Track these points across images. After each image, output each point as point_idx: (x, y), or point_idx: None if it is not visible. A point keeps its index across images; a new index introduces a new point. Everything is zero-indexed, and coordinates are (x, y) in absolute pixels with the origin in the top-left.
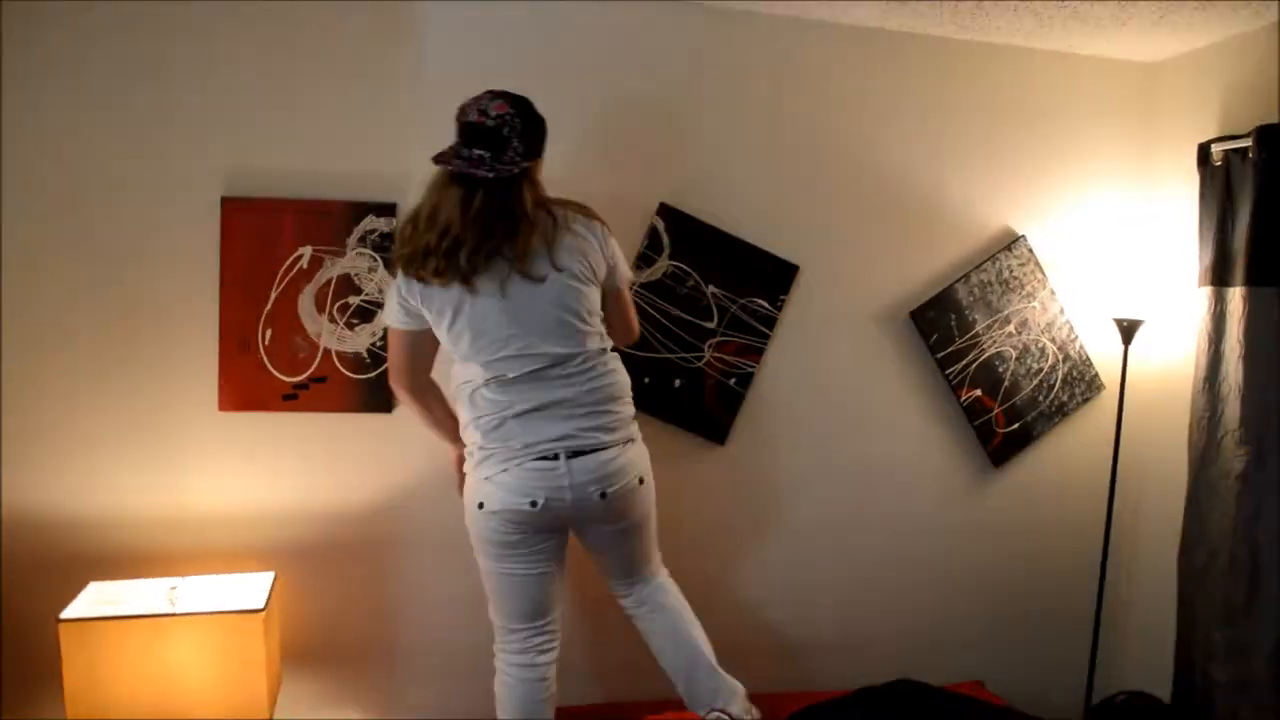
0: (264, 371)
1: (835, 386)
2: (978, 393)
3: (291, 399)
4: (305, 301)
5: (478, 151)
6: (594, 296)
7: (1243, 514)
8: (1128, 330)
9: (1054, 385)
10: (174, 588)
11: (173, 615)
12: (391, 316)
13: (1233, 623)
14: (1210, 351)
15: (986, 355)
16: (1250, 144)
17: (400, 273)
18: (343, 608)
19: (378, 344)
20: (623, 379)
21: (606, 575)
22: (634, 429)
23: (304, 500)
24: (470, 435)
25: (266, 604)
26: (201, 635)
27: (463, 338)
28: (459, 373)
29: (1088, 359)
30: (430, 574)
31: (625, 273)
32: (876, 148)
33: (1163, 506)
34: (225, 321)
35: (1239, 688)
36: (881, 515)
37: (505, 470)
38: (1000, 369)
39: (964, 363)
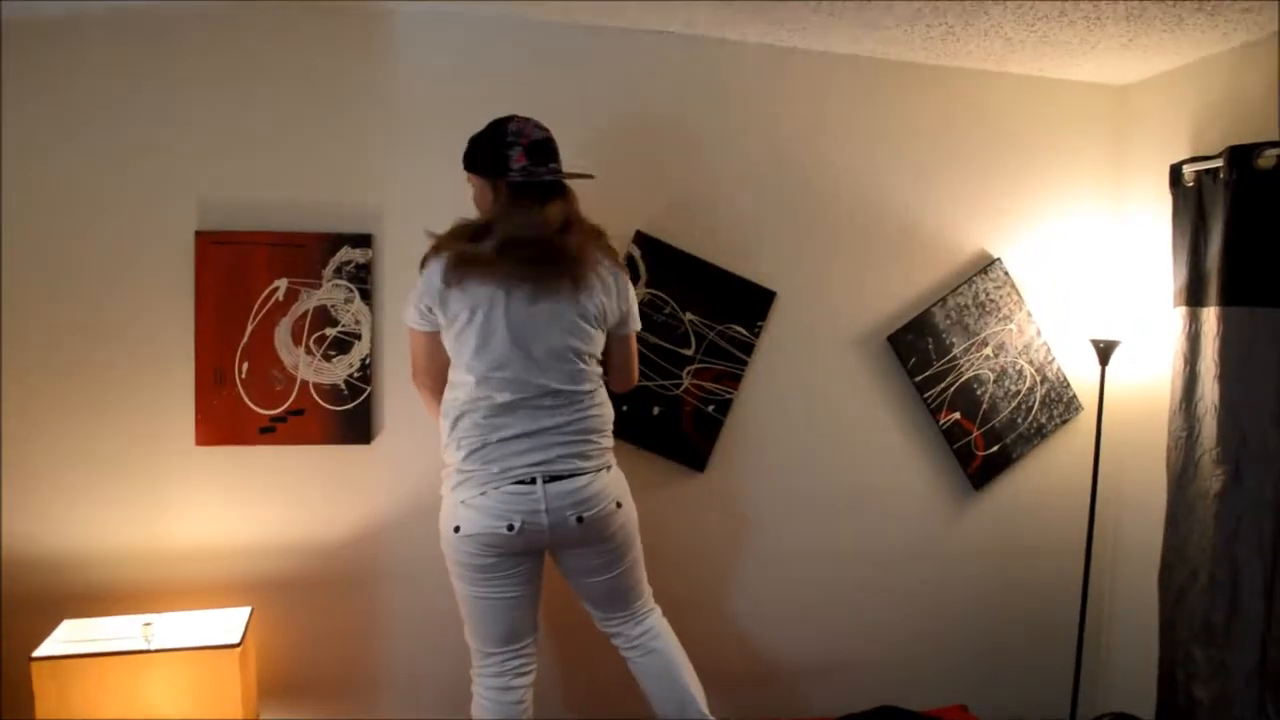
0: (241, 405)
1: (814, 412)
2: (956, 416)
3: (269, 432)
4: (282, 334)
5: (552, 165)
6: (600, 341)
7: (1222, 533)
8: (1104, 351)
9: (1032, 407)
10: (149, 624)
11: (147, 652)
12: (411, 318)
13: (1214, 642)
14: (1186, 372)
15: (965, 378)
16: (1221, 164)
17: (425, 276)
18: (321, 641)
19: (355, 375)
20: (607, 412)
21: (596, 609)
22: (610, 457)
23: (281, 534)
24: (450, 454)
25: (242, 639)
26: (176, 672)
27: (468, 343)
28: (450, 388)
29: (1065, 380)
30: (409, 605)
31: (636, 322)
32: (852, 173)
33: (1143, 526)
34: (201, 355)
35: (1221, 707)
36: (863, 540)
37: (483, 494)
38: (979, 392)
39: (942, 386)
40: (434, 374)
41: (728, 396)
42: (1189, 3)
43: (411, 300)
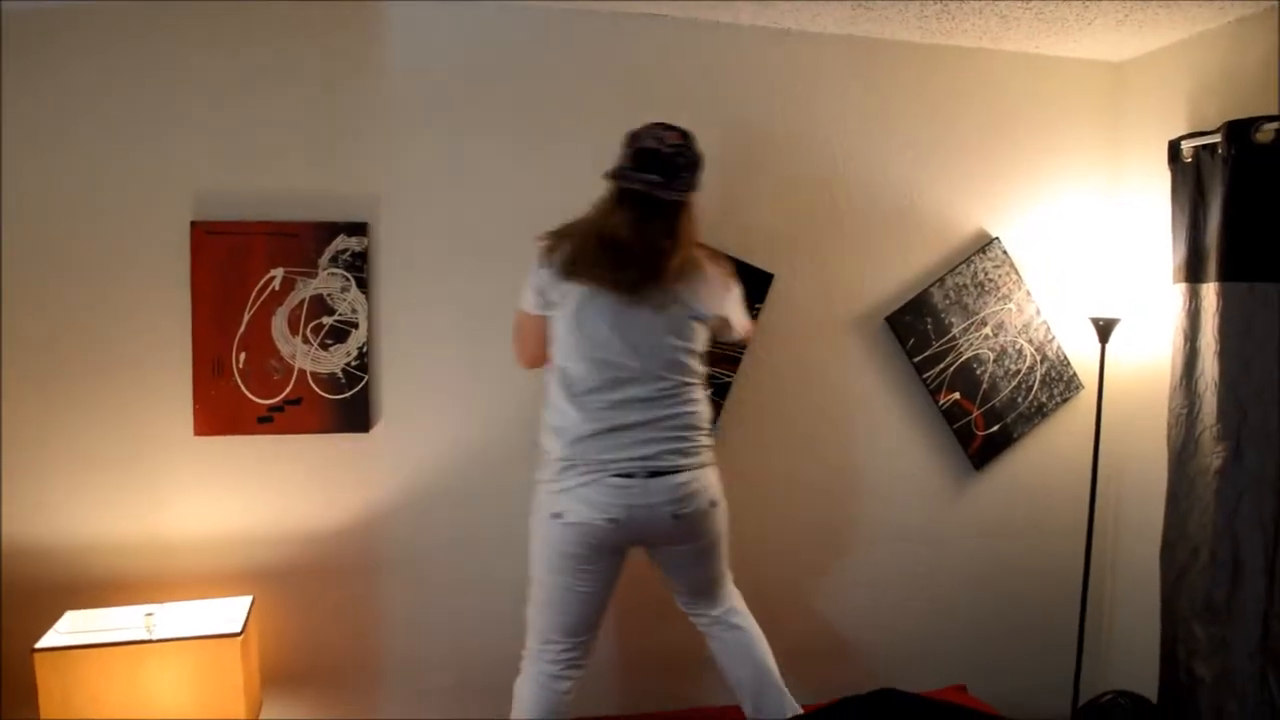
0: (238, 394)
1: (813, 394)
2: (956, 396)
3: (267, 421)
4: (278, 323)
5: (650, 176)
6: (702, 340)
7: (1222, 510)
8: (1104, 329)
9: (1032, 386)
10: (150, 614)
11: (149, 642)
12: (528, 303)
13: (1215, 619)
14: (1186, 348)
15: (964, 358)
16: (1220, 139)
17: (544, 267)
18: (322, 629)
19: (352, 364)
20: (705, 410)
21: (678, 595)
22: (709, 455)
23: (281, 523)
24: (551, 441)
25: (244, 628)
26: (179, 661)
27: (574, 333)
28: (554, 376)
29: (1065, 359)
30: (409, 593)
31: (741, 330)
32: (847, 154)
33: (1144, 504)
34: (198, 345)
35: (1223, 684)
36: (863, 521)
37: (586, 484)
38: (978, 371)
39: (942, 366)
40: (541, 356)
41: (726, 379)
42: None
43: (526, 286)
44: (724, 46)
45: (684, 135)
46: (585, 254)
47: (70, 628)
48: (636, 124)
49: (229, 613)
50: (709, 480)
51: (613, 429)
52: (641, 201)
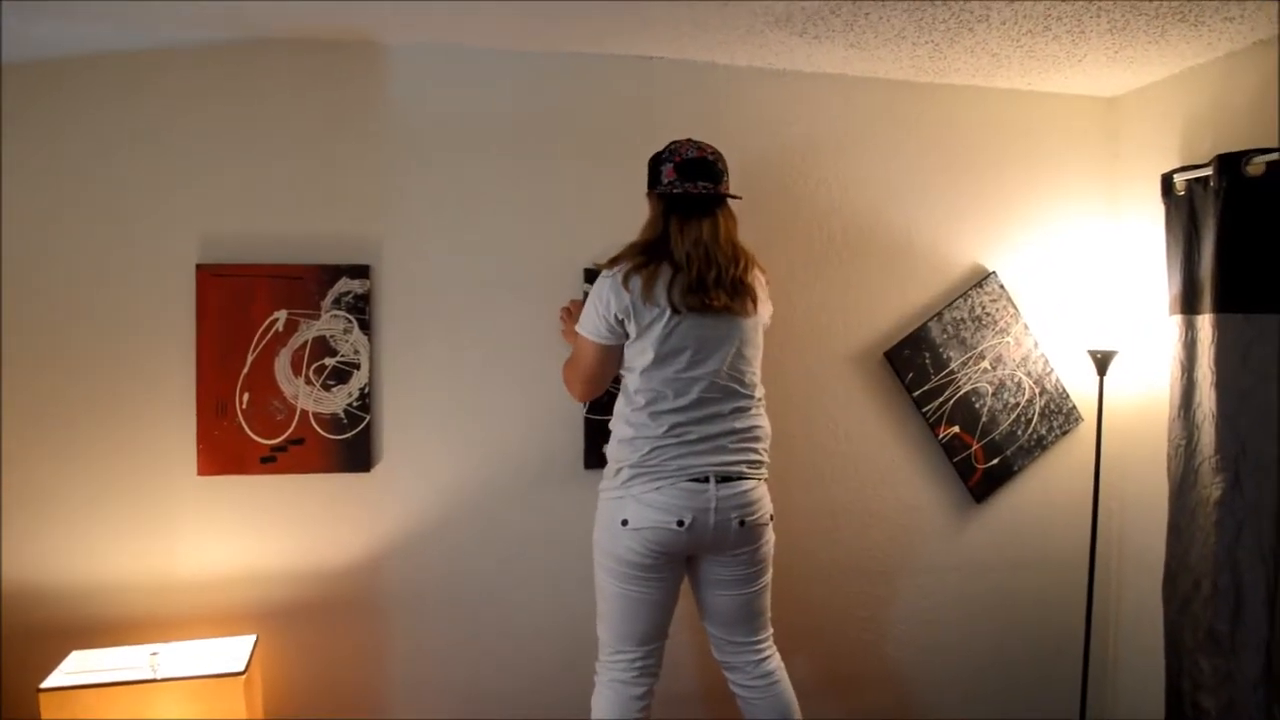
0: (242, 435)
1: (813, 429)
2: (956, 429)
3: (270, 461)
4: (282, 364)
5: (702, 183)
6: (762, 343)
7: (1223, 540)
8: (1102, 361)
9: (1032, 419)
10: (155, 654)
11: (153, 681)
12: (594, 332)
13: (1219, 651)
14: (1184, 379)
15: (963, 392)
16: (1211, 172)
17: (611, 290)
18: (325, 668)
19: (354, 404)
20: (768, 426)
21: (723, 630)
22: (766, 471)
23: (284, 562)
24: (621, 452)
25: (247, 667)
26: (182, 701)
27: (655, 351)
28: (631, 393)
29: (1064, 391)
30: (412, 631)
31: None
32: (845, 191)
33: (1145, 536)
34: (202, 386)
35: (1228, 717)
36: (864, 555)
37: (658, 489)
38: (977, 405)
39: (941, 400)
40: (600, 385)
41: None
42: (1171, 14)
43: (592, 315)
44: (719, 87)
45: (709, 146)
46: (663, 276)
47: (75, 667)
48: (636, 164)
49: (233, 652)
50: (766, 494)
51: (688, 441)
52: (698, 209)
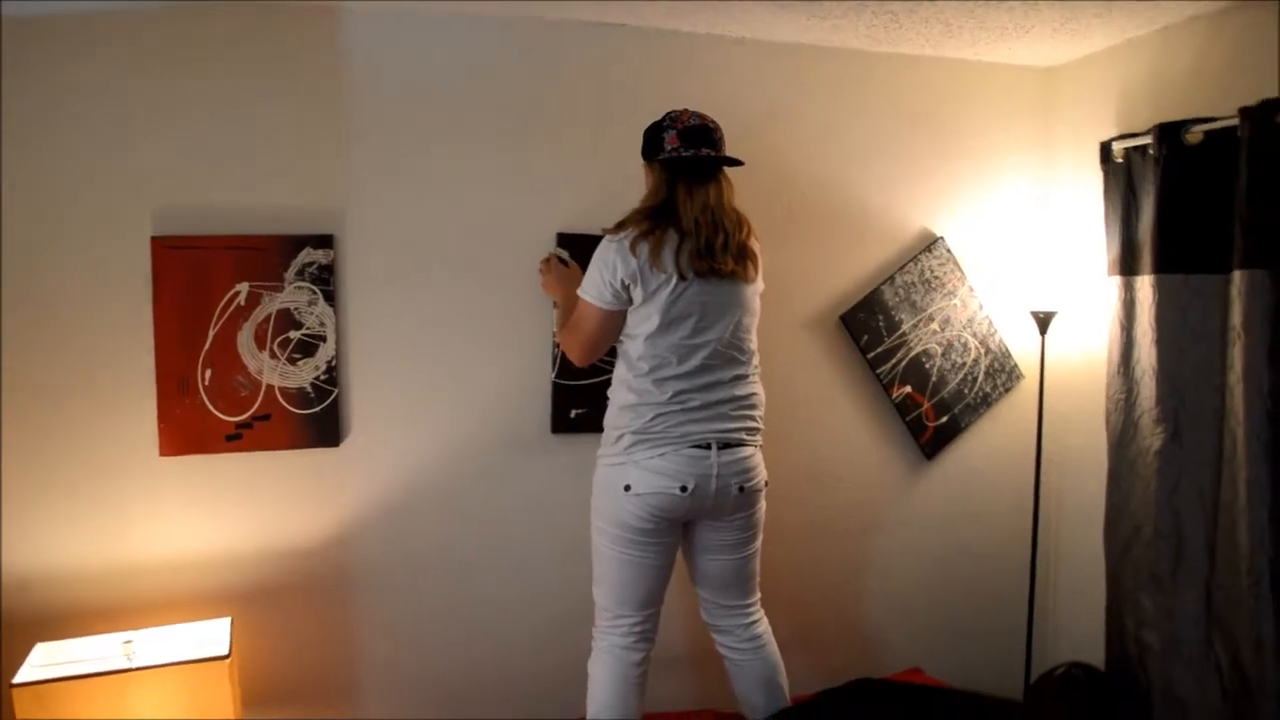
0: (205, 412)
1: (771, 392)
2: (908, 389)
3: (235, 439)
4: (245, 338)
5: (705, 150)
6: (759, 310)
7: (1163, 488)
8: (1043, 321)
9: (977, 378)
10: (129, 641)
11: (133, 670)
12: (598, 298)
13: (1161, 590)
14: (1123, 337)
15: (914, 353)
16: (1151, 141)
17: (618, 255)
18: (298, 647)
19: (321, 378)
20: (762, 393)
21: (715, 593)
22: (761, 439)
23: (253, 541)
24: (623, 418)
25: (230, 650)
26: (166, 688)
27: (654, 318)
28: (633, 359)
29: (1007, 351)
30: (385, 607)
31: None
32: (799, 158)
33: (1085, 485)
34: (162, 363)
35: (1171, 650)
36: (821, 514)
37: (662, 455)
38: (927, 365)
39: (894, 361)
40: (600, 351)
41: None
42: None
43: (596, 280)
44: (681, 55)
45: (707, 115)
46: (670, 242)
47: (44, 660)
48: (599, 131)
49: (208, 635)
50: (762, 460)
51: (691, 408)
52: (704, 174)
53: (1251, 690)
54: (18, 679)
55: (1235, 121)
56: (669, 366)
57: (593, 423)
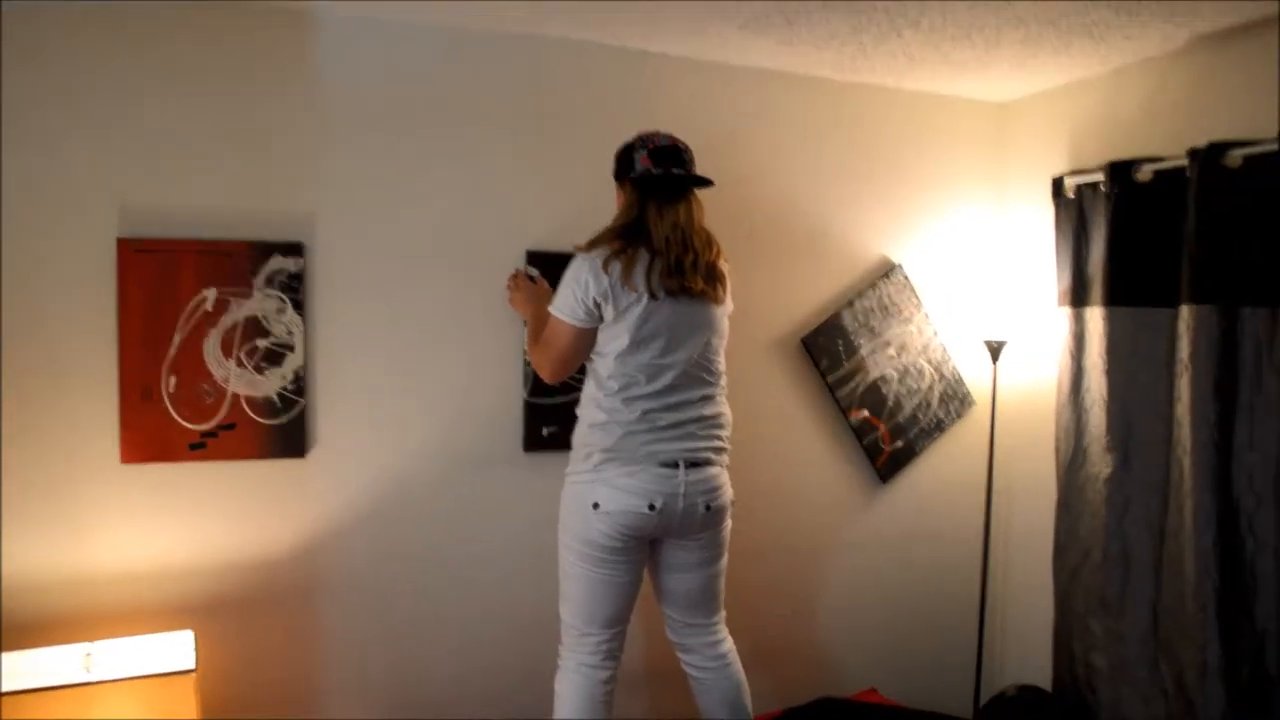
0: (169, 420)
1: (737, 414)
2: (865, 413)
3: (199, 448)
4: (211, 346)
5: (675, 169)
6: (728, 331)
7: (1112, 513)
8: (995, 350)
9: (932, 403)
10: (89, 654)
11: (96, 683)
12: (570, 315)
13: (1109, 613)
14: (1073, 367)
15: (872, 377)
16: (1103, 178)
17: (590, 273)
18: (261, 659)
19: (288, 388)
20: (729, 413)
21: (680, 611)
22: (728, 458)
23: (216, 552)
24: (592, 436)
25: (195, 664)
26: (128, 702)
27: (630, 335)
28: (602, 377)
29: (959, 378)
30: (350, 619)
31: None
32: (763, 183)
33: (1035, 510)
34: (125, 369)
35: (1119, 672)
36: (779, 535)
37: (631, 474)
38: (885, 390)
39: (852, 385)
40: (574, 366)
41: None
42: (1079, 30)
43: (569, 298)
44: (650, 76)
45: (676, 136)
46: (642, 261)
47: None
48: (572, 145)
49: (169, 648)
50: (728, 479)
51: (659, 427)
52: (674, 194)
53: (1196, 713)
54: None
55: (1184, 162)
56: (638, 385)
57: (565, 441)
